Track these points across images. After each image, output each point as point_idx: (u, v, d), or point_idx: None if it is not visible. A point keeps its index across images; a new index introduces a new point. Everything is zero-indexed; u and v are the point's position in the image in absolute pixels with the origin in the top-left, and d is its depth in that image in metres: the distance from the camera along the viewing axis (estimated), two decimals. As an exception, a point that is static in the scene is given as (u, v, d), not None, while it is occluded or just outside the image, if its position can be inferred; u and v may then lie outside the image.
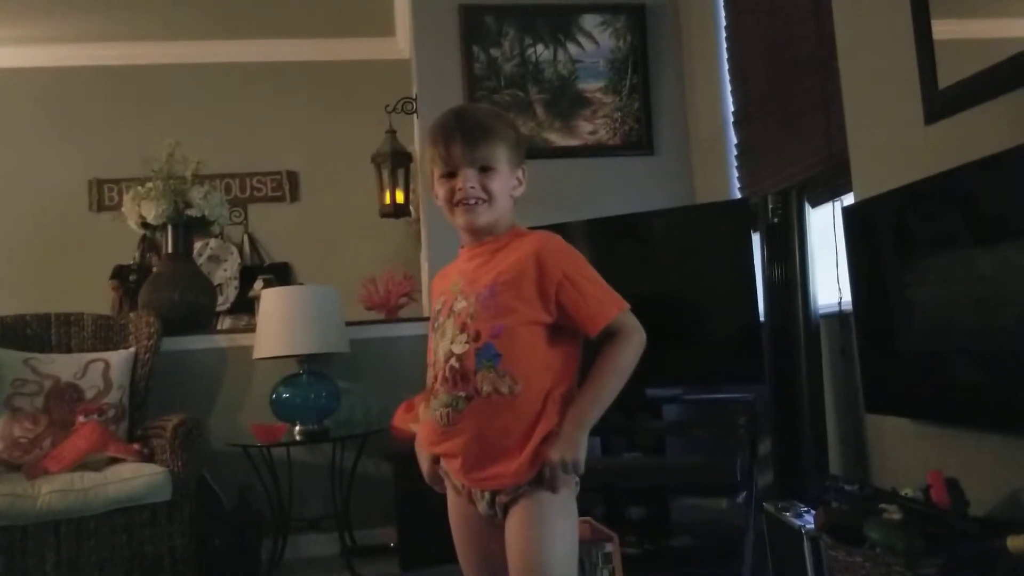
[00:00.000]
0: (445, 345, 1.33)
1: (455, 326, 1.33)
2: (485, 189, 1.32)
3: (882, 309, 2.19)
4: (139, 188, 3.37)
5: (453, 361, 1.31)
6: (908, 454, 2.25)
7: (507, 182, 1.36)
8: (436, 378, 1.35)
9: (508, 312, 1.29)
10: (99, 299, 4.29)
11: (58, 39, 4.74)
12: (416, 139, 3.86)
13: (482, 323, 1.30)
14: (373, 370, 3.40)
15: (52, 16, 4.51)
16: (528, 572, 1.25)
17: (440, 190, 1.36)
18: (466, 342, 1.30)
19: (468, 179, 1.32)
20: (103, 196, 4.88)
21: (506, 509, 1.31)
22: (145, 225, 3.42)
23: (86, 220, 4.80)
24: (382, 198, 3.78)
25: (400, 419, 3.10)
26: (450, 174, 1.34)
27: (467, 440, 1.31)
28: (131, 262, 4.59)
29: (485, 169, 1.33)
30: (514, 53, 3.63)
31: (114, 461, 2.70)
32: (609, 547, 2.05)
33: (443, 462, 1.40)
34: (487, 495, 1.33)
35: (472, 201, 1.33)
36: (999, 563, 1.55)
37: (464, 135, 1.32)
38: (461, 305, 1.34)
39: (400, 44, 4.70)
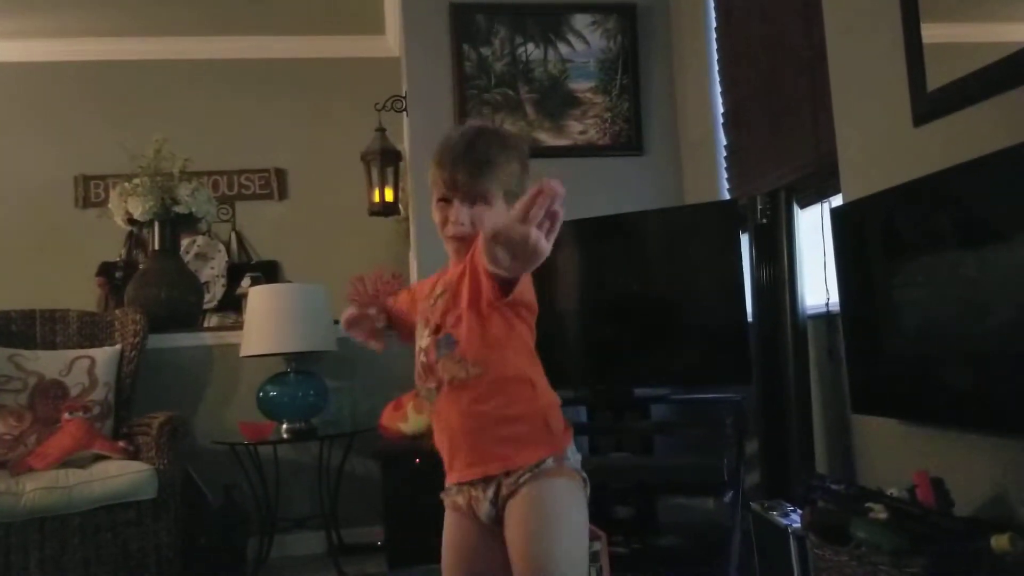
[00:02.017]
0: (417, 343, 1.38)
1: (422, 323, 1.38)
2: (476, 224, 1.31)
3: (869, 310, 2.20)
4: (126, 184, 3.35)
5: (421, 356, 1.36)
6: (894, 454, 2.26)
7: (502, 216, 1.28)
8: (417, 376, 1.38)
9: (462, 302, 1.30)
10: (85, 296, 4.26)
11: (44, 34, 4.70)
12: (406, 137, 3.85)
13: (441, 315, 1.34)
14: (361, 369, 3.39)
15: (38, 10, 4.48)
16: (531, 568, 1.22)
17: (436, 214, 1.37)
18: (428, 335, 1.35)
19: (459, 213, 1.32)
20: (89, 192, 4.84)
21: (504, 502, 1.28)
22: (132, 221, 3.40)
23: (72, 216, 4.77)
24: (371, 196, 3.77)
25: (388, 418, 3.09)
26: (445, 199, 1.34)
27: (449, 431, 1.32)
28: (117, 259, 4.56)
29: (480, 201, 1.32)
30: (505, 52, 3.63)
31: (99, 458, 2.68)
32: (597, 546, 2.05)
33: (447, 482, 1.38)
34: (490, 493, 1.29)
35: (460, 236, 1.33)
36: (983, 562, 1.56)
37: (467, 166, 1.31)
38: (428, 304, 1.39)
39: (390, 42, 4.69)
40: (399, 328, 1.58)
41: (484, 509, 1.30)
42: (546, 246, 0.95)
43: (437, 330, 1.33)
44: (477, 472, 1.30)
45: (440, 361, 1.31)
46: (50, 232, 4.68)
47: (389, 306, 1.57)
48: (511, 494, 1.27)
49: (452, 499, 1.36)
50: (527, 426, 1.28)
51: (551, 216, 0.94)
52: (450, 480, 1.36)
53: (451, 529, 1.38)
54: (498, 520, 1.29)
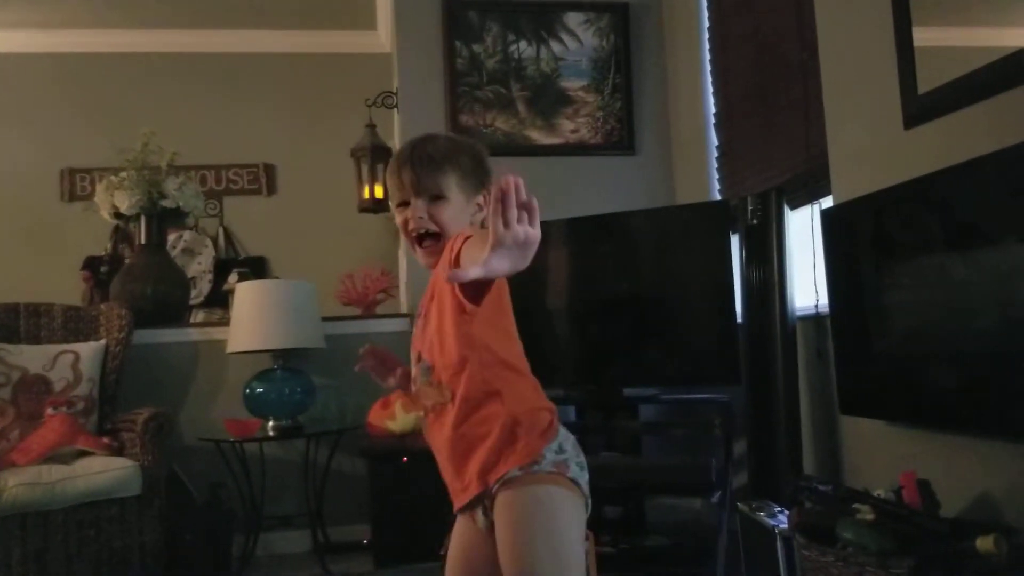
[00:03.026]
0: (412, 371, 1.39)
1: (413, 350, 1.38)
2: (435, 219, 1.32)
3: (858, 312, 2.21)
4: (112, 178, 3.32)
5: (412, 384, 1.37)
6: (881, 455, 2.27)
7: (461, 211, 1.35)
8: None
9: (431, 326, 1.31)
10: (70, 290, 4.22)
11: (29, 25, 4.65)
12: (396, 134, 3.84)
13: (419, 342, 1.35)
14: (349, 366, 3.34)
15: (25, 1, 4.43)
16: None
17: (398, 219, 1.38)
18: (414, 364, 1.37)
19: (417, 209, 1.33)
20: (75, 186, 4.79)
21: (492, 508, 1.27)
22: (118, 215, 3.37)
23: (57, 210, 4.72)
24: (361, 193, 3.75)
25: (376, 416, 3.08)
26: (404, 203, 1.35)
27: (440, 457, 1.33)
28: (103, 253, 4.52)
29: (436, 198, 1.33)
30: (497, 49, 3.62)
31: (83, 454, 2.65)
32: (584, 546, 2.05)
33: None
34: (479, 511, 1.30)
35: (423, 232, 1.33)
36: (969, 563, 1.57)
37: (414, 164, 1.33)
38: (415, 331, 1.40)
39: (382, 37, 4.66)
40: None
41: (481, 522, 1.31)
42: (535, 233, 0.94)
43: (419, 358, 1.35)
44: (465, 498, 1.30)
45: (421, 388, 1.33)
46: (35, 226, 4.62)
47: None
48: (494, 499, 1.27)
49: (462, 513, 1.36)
50: (497, 441, 1.26)
51: (524, 207, 0.93)
52: (455, 507, 1.35)
53: (458, 530, 1.38)
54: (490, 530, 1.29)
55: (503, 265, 0.96)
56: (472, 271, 0.97)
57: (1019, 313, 1.69)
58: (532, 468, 1.24)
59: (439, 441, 1.32)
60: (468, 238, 1.18)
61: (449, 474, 1.32)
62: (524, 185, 0.92)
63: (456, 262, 1.16)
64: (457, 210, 1.33)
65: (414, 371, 1.37)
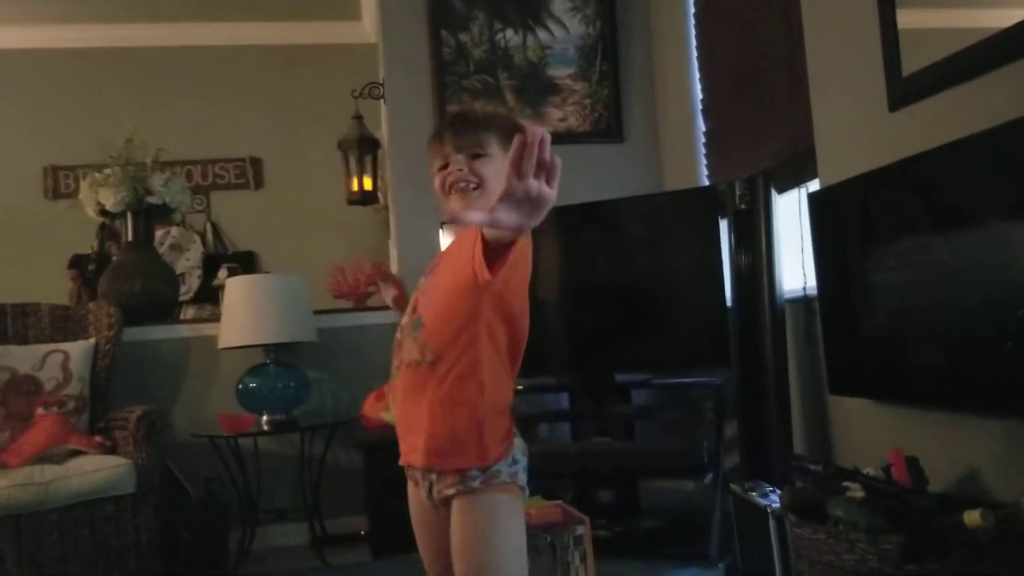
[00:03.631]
0: (403, 318, 1.39)
1: (412, 301, 1.38)
2: (476, 173, 1.31)
3: (846, 294, 2.23)
4: (97, 175, 3.29)
5: (397, 333, 1.37)
6: (870, 434, 2.30)
7: (501, 169, 1.28)
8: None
9: (441, 283, 1.31)
10: (57, 289, 4.19)
11: (10, 21, 4.60)
12: (384, 125, 3.82)
13: (423, 296, 1.34)
14: (342, 359, 3.37)
15: (3, -2, 4.38)
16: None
17: (437, 182, 1.36)
18: (408, 315, 1.36)
19: (458, 163, 1.32)
20: (59, 183, 4.76)
21: (447, 503, 1.29)
22: (103, 213, 3.34)
23: (41, 208, 4.68)
24: (349, 185, 3.75)
25: (370, 407, 3.06)
26: (445, 166, 1.34)
27: (398, 410, 1.35)
28: (90, 251, 4.49)
29: (476, 156, 1.32)
30: (483, 38, 3.61)
31: (75, 454, 2.65)
32: (580, 530, 2.07)
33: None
34: (426, 484, 1.32)
35: (463, 184, 1.31)
36: (957, 537, 1.60)
37: (455, 124, 1.34)
38: (421, 281, 1.39)
39: (367, 28, 4.64)
40: None
41: (423, 494, 1.34)
42: (549, 193, 0.92)
43: (414, 310, 1.34)
44: (407, 460, 1.35)
45: (406, 343, 1.33)
46: (19, 224, 4.59)
47: None
48: (444, 502, 1.29)
49: (410, 472, 1.40)
50: (461, 427, 1.26)
51: (543, 165, 0.91)
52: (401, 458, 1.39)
53: (412, 501, 1.41)
54: (435, 505, 1.32)
55: (510, 218, 0.93)
56: (474, 215, 0.96)
57: (1003, 292, 1.72)
58: (495, 476, 1.27)
59: (400, 395, 1.34)
60: None
61: (404, 429, 1.35)
62: (548, 142, 0.90)
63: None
64: (497, 168, 1.30)
65: (405, 319, 1.36)
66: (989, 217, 1.76)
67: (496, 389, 1.28)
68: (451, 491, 1.27)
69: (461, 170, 1.31)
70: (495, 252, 1.13)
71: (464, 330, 1.25)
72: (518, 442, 1.32)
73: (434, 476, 1.30)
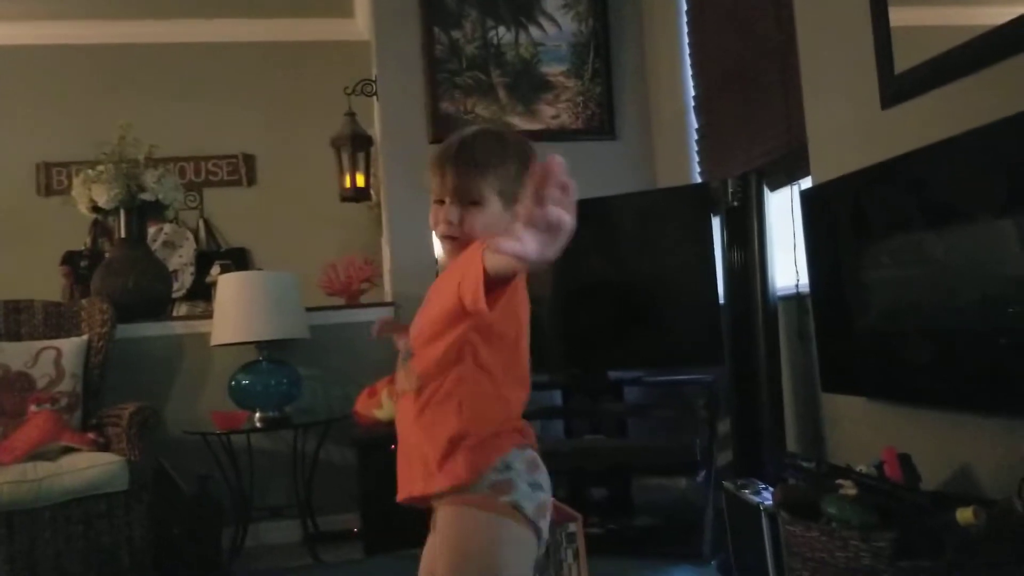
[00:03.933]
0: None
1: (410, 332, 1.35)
2: (465, 225, 1.26)
3: (838, 291, 2.23)
4: (89, 171, 3.28)
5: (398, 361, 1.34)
6: (863, 432, 2.31)
7: (498, 219, 1.27)
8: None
9: (428, 313, 1.28)
10: (49, 286, 4.17)
11: (3, 16, 4.57)
12: (376, 121, 3.81)
13: (415, 326, 1.31)
14: (334, 356, 3.37)
15: (-6, -7, 4.36)
16: None
17: (431, 217, 1.32)
18: (403, 345, 1.33)
19: (450, 214, 1.27)
20: (52, 180, 4.74)
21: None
22: (96, 209, 3.33)
23: (34, 205, 4.66)
24: (342, 182, 3.74)
25: (362, 404, 3.05)
26: (439, 201, 1.30)
27: (399, 442, 1.31)
28: (82, 248, 4.47)
29: (471, 204, 1.27)
30: (476, 35, 3.61)
31: (68, 451, 2.64)
32: (573, 527, 2.07)
33: None
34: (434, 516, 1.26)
35: (451, 237, 1.28)
36: (949, 534, 1.60)
37: (456, 164, 1.27)
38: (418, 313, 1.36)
39: (360, 25, 4.63)
40: None
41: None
42: (568, 219, 0.89)
43: (408, 342, 1.32)
44: (401, 495, 1.29)
45: (400, 371, 1.31)
46: (12, 221, 4.56)
47: None
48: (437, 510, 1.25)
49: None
50: (438, 452, 1.21)
51: (562, 188, 0.87)
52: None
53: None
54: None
55: (531, 248, 0.89)
56: (511, 245, 0.89)
57: (995, 289, 1.72)
58: (466, 490, 1.19)
59: (400, 426, 1.31)
60: (495, 239, 1.11)
61: (401, 463, 1.31)
62: (565, 168, 0.87)
63: (481, 259, 1.08)
64: (493, 218, 1.26)
65: (401, 350, 1.34)
66: (981, 214, 1.77)
67: (478, 410, 1.22)
68: (433, 501, 1.23)
69: (451, 223, 1.27)
70: (494, 285, 1.08)
71: (446, 355, 1.22)
72: (521, 459, 1.23)
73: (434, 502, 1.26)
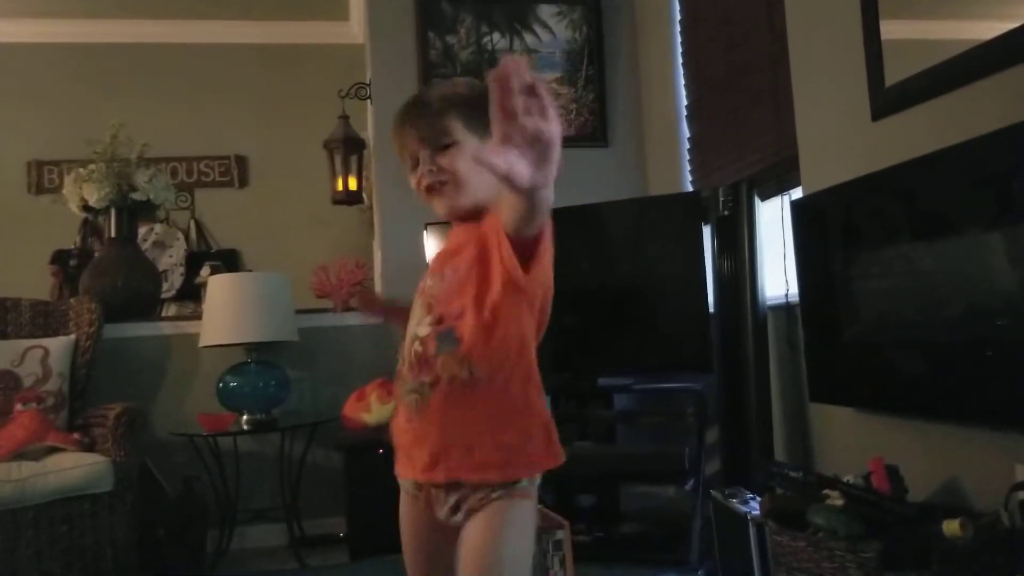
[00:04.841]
0: (413, 327, 1.24)
1: (422, 307, 1.24)
2: (446, 169, 1.19)
3: (827, 301, 2.24)
4: (81, 170, 3.27)
5: (417, 345, 1.21)
6: (850, 442, 2.31)
7: (476, 151, 1.17)
8: (403, 362, 1.25)
9: (468, 292, 1.18)
10: (38, 284, 4.14)
11: (-5, 14, 4.55)
12: (370, 125, 3.82)
13: (444, 305, 1.21)
14: (323, 359, 3.36)
15: (-13, -10, 4.34)
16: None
17: (412, 183, 1.25)
18: (430, 324, 1.21)
19: (424, 163, 1.21)
20: (42, 178, 4.71)
21: (469, 514, 1.19)
22: (87, 208, 3.32)
23: (24, 203, 4.64)
24: (334, 184, 3.73)
25: (351, 408, 3.06)
26: (414, 163, 1.23)
27: (435, 431, 1.20)
28: (72, 247, 4.45)
29: (443, 147, 1.20)
30: (470, 41, 3.61)
31: (53, 451, 2.61)
32: (560, 534, 2.07)
33: (398, 465, 1.29)
34: (451, 499, 1.21)
35: (435, 183, 1.21)
36: (935, 546, 1.61)
37: (411, 115, 1.22)
38: (428, 284, 1.26)
39: (354, 28, 4.63)
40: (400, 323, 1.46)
41: (442, 512, 1.22)
42: (549, 126, 0.79)
43: (440, 320, 1.20)
44: (441, 475, 1.20)
45: (440, 357, 1.18)
46: (1, 219, 4.54)
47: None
48: (479, 507, 1.19)
49: (406, 487, 1.29)
50: (515, 441, 1.18)
51: (530, 93, 0.77)
52: (404, 474, 1.28)
53: (407, 517, 1.31)
54: (458, 518, 1.22)
55: (522, 169, 0.80)
56: (503, 169, 0.80)
57: (983, 301, 1.73)
58: (534, 483, 1.21)
59: (443, 413, 1.19)
60: None
61: (426, 445, 1.20)
62: (526, 67, 0.77)
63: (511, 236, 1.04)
64: (471, 155, 1.18)
65: (426, 330, 1.21)
66: (970, 227, 1.78)
67: (538, 401, 1.22)
68: (498, 493, 1.18)
69: (431, 170, 1.20)
70: (523, 247, 1.04)
71: (514, 337, 1.17)
72: None
73: (470, 490, 1.19)
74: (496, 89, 0.77)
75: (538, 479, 1.22)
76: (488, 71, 0.78)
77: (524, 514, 1.20)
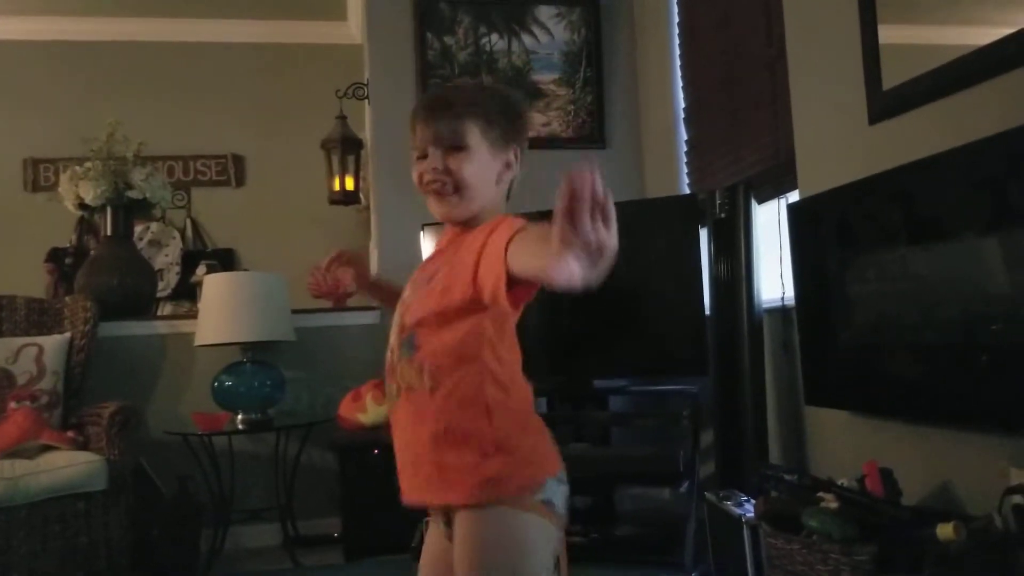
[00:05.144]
0: (391, 335, 1.23)
1: (398, 315, 1.23)
2: (452, 172, 1.17)
3: (823, 304, 2.24)
4: (77, 168, 3.26)
5: (388, 353, 1.21)
6: (845, 445, 2.32)
7: (486, 166, 1.19)
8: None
9: (434, 298, 1.15)
10: (33, 282, 4.14)
11: (-8, 11, 4.54)
12: (367, 125, 3.81)
13: (411, 312, 1.19)
14: (319, 359, 3.35)
15: (-16, -12, 4.33)
16: None
17: (414, 174, 1.22)
18: (397, 333, 1.20)
19: (435, 160, 1.17)
20: (38, 176, 4.70)
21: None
22: (83, 206, 3.31)
23: (20, 200, 4.63)
24: (331, 184, 3.73)
25: (346, 408, 3.06)
26: (423, 155, 1.20)
27: (400, 441, 1.19)
28: (68, 245, 4.44)
29: (455, 149, 1.17)
30: (468, 42, 3.61)
31: (47, 449, 2.61)
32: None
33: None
34: (440, 520, 1.18)
35: (438, 186, 1.18)
36: (929, 550, 1.61)
37: (432, 110, 1.19)
38: (406, 294, 1.25)
39: (352, 28, 4.63)
40: (384, 301, 1.44)
41: (442, 528, 1.19)
42: (610, 240, 0.79)
43: (403, 328, 1.19)
44: (413, 499, 1.17)
45: (400, 363, 1.17)
46: (-3, 217, 4.54)
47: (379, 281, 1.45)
48: (460, 530, 1.13)
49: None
50: (472, 460, 1.10)
51: (598, 205, 0.77)
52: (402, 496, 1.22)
53: (428, 540, 1.27)
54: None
55: (575, 272, 0.80)
56: (562, 275, 0.80)
57: (978, 306, 1.74)
58: (527, 498, 1.12)
59: (403, 423, 1.18)
60: (520, 231, 1.02)
61: (405, 464, 1.18)
62: (600, 179, 0.77)
63: (502, 250, 1.01)
64: (481, 164, 1.18)
65: (394, 338, 1.20)
66: (966, 231, 1.78)
67: (510, 412, 1.15)
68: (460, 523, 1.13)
69: (436, 168, 1.17)
70: (516, 282, 1.02)
71: (462, 347, 1.12)
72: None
73: (450, 511, 1.15)
74: (566, 198, 0.78)
75: (535, 491, 1.12)
76: (562, 176, 0.78)
77: (508, 535, 1.10)
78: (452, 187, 1.18)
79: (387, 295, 1.42)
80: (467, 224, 1.21)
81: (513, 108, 1.24)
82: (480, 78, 3.59)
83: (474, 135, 1.18)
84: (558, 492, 1.15)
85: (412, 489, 1.17)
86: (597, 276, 0.82)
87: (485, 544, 1.10)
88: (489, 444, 1.12)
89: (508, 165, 1.22)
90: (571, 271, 0.80)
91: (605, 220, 0.79)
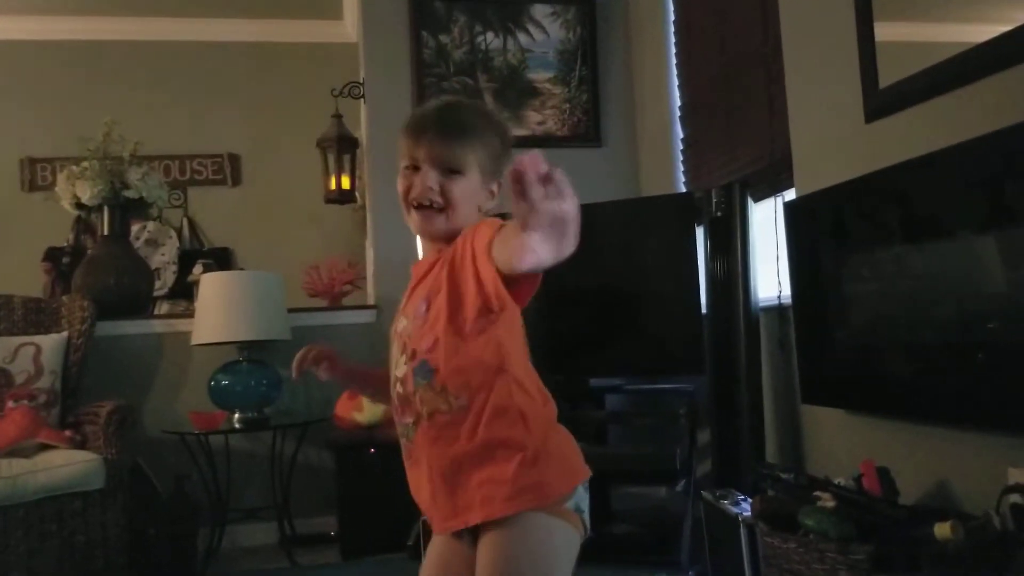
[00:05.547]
0: (392, 371, 1.22)
1: (399, 348, 1.21)
2: (445, 194, 1.17)
3: (819, 303, 2.24)
4: (73, 168, 3.25)
5: (398, 387, 1.19)
6: (842, 444, 2.32)
7: (474, 192, 1.20)
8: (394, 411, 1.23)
9: (438, 321, 1.14)
10: (30, 282, 4.13)
11: (-12, 10, 4.53)
12: (363, 124, 3.81)
13: (417, 340, 1.17)
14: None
15: (-20, -13, 4.32)
16: None
17: (400, 184, 1.21)
18: (405, 363, 1.18)
19: (428, 179, 1.17)
20: (35, 175, 4.69)
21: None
22: (80, 206, 3.31)
23: (17, 200, 4.62)
24: (327, 183, 3.72)
25: (343, 408, 3.06)
26: (414, 168, 1.19)
27: (428, 473, 1.15)
28: (64, 244, 4.43)
29: (452, 172, 1.17)
30: (464, 40, 3.61)
31: (45, 448, 2.61)
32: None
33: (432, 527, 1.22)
34: (467, 538, 1.16)
35: (427, 203, 1.18)
36: (926, 549, 1.61)
37: (438, 130, 1.18)
38: (402, 325, 1.22)
39: (348, 27, 4.62)
40: (363, 384, 1.47)
41: (450, 538, 1.19)
42: (567, 206, 0.83)
43: (413, 356, 1.16)
44: (457, 523, 1.14)
45: (418, 392, 1.15)
46: (-6, 216, 4.53)
47: (351, 367, 1.43)
48: (487, 535, 1.12)
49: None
50: (512, 469, 1.10)
51: (547, 181, 0.81)
52: (434, 529, 1.21)
53: (435, 548, 1.25)
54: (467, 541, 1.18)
55: (546, 250, 0.85)
56: (526, 258, 0.85)
57: (974, 304, 1.74)
58: (558, 504, 1.12)
59: (431, 454, 1.15)
60: (501, 227, 1.03)
61: (439, 494, 1.15)
62: (542, 158, 0.81)
63: (487, 253, 1.03)
64: (471, 190, 1.19)
65: (403, 370, 1.18)
66: (962, 229, 1.78)
67: (539, 420, 1.15)
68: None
69: (431, 188, 1.17)
70: (513, 278, 1.03)
71: (485, 361, 1.12)
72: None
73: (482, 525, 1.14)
74: (514, 185, 0.82)
75: (566, 498, 1.13)
76: (509, 169, 0.83)
77: (540, 542, 1.10)
78: (440, 206, 1.18)
79: (364, 377, 1.43)
80: (448, 239, 1.20)
81: (509, 141, 1.25)
82: (476, 79, 3.59)
83: (472, 163, 1.19)
84: (585, 499, 1.16)
85: (448, 517, 1.15)
86: (566, 248, 0.86)
87: (517, 551, 1.10)
88: (529, 451, 1.11)
89: (492, 194, 1.24)
90: (536, 252, 0.85)
91: (557, 191, 0.82)
